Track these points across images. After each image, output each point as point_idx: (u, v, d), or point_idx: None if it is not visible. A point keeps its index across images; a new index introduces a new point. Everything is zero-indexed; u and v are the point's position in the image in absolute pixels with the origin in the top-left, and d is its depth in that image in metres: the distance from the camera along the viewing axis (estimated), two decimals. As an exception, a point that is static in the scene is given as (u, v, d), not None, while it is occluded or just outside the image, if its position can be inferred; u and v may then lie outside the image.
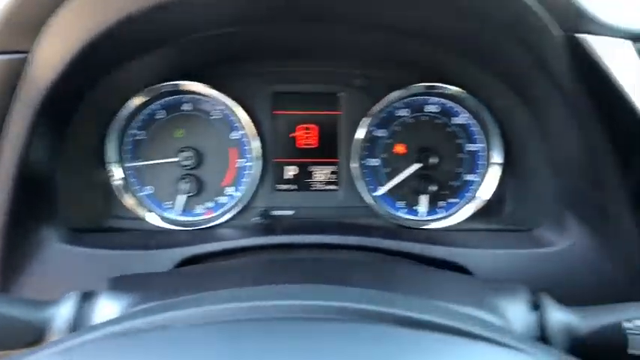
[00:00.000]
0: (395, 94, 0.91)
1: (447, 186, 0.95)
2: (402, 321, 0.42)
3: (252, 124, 0.92)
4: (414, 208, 0.96)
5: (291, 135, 0.96)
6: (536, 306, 0.58)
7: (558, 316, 0.56)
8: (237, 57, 0.90)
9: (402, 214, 0.96)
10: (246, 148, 0.93)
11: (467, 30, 0.72)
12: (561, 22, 0.64)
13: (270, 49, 0.89)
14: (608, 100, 0.66)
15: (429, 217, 0.95)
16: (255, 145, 0.92)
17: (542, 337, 0.56)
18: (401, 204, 0.96)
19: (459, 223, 0.94)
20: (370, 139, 0.94)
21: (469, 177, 0.95)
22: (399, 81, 0.92)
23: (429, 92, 0.93)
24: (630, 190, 0.73)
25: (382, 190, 0.95)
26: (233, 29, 0.76)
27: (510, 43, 0.70)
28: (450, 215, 0.95)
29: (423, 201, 0.95)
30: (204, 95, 0.91)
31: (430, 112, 0.94)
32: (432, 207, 0.96)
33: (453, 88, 0.91)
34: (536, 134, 0.82)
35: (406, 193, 0.95)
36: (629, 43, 0.64)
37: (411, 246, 0.83)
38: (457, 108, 0.94)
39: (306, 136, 0.95)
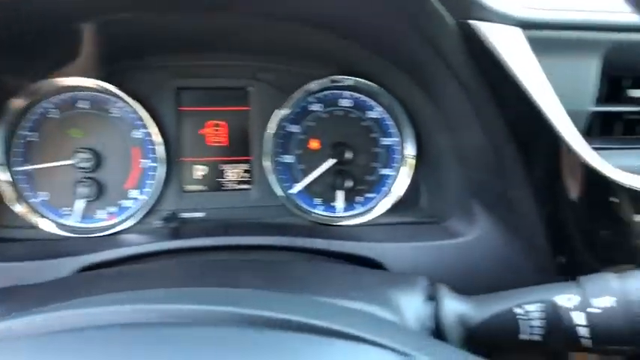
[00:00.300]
0: (306, 89, 0.89)
1: (363, 181, 0.94)
2: (270, 323, 0.39)
3: (155, 122, 0.86)
4: (332, 204, 0.93)
5: (200, 132, 0.91)
6: (432, 297, 0.57)
7: (452, 306, 0.55)
8: (137, 50, 0.85)
9: (320, 211, 0.93)
10: (150, 147, 0.87)
11: (366, 19, 0.71)
12: (454, 10, 0.64)
13: (173, 41, 0.84)
14: (503, 88, 0.66)
15: (347, 213, 0.93)
16: (160, 144, 0.86)
17: (436, 328, 0.54)
18: (318, 201, 0.93)
19: (375, 218, 0.92)
20: (283, 135, 0.91)
21: (385, 171, 0.94)
22: (310, 75, 0.89)
23: (342, 86, 0.91)
24: (531, 179, 0.73)
25: (297, 188, 0.92)
26: (128, 15, 0.71)
27: (408, 33, 0.69)
28: (367, 210, 0.93)
29: (340, 197, 0.92)
30: (100, 91, 0.85)
31: (344, 106, 0.93)
32: (350, 203, 0.94)
33: (365, 82, 0.89)
34: (442, 126, 0.82)
35: (323, 190, 0.93)
36: (519, 31, 0.64)
37: (325, 243, 0.81)
38: (371, 102, 0.93)
39: (216, 134, 0.91)
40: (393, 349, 0.34)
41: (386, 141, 0.94)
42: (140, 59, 0.86)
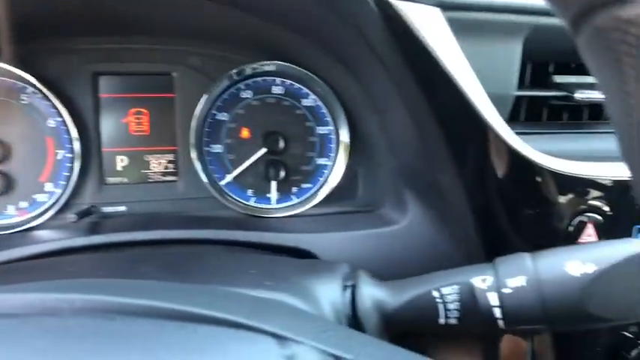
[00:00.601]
0: (234, 75, 0.85)
1: (298, 171, 0.91)
2: (157, 312, 0.36)
3: (71, 110, 0.80)
4: (266, 195, 0.90)
5: (122, 121, 0.86)
6: (351, 284, 0.55)
7: (369, 292, 0.53)
8: (49, 31, 0.79)
9: (253, 203, 0.90)
10: (65, 137, 0.82)
11: (286, 1, 0.68)
12: (373, -11, 0.62)
13: (89, 22, 0.79)
14: (425, 71, 0.66)
15: (282, 205, 0.90)
16: (76, 133, 0.81)
17: (353, 315, 0.52)
18: (251, 192, 0.90)
19: (311, 209, 0.90)
20: (211, 123, 0.87)
21: (321, 161, 0.92)
22: (239, 61, 0.86)
23: (274, 73, 0.88)
24: (459, 165, 0.73)
25: (227, 179, 0.88)
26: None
27: (329, 14, 0.67)
28: (303, 201, 0.91)
29: (274, 188, 0.89)
30: (8, 76, 0.78)
31: (276, 94, 0.89)
32: (285, 193, 0.91)
33: (296, 68, 0.86)
34: (372, 112, 0.81)
35: (255, 181, 0.90)
36: (438, 11, 0.63)
37: (255, 235, 0.78)
38: (304, 90, 0.90)
39: (139, 122, 0.86)
40: (279, 336, 0.31)
41: (321, 130, 0.91)
42: (53, 41, 0.80)
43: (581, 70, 0.82)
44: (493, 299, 0.49)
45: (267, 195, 0.90)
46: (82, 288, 0.39)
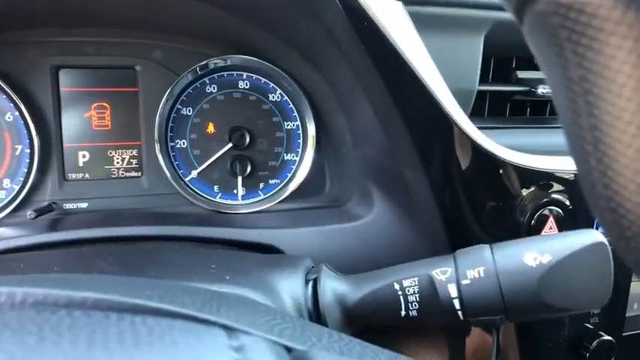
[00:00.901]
0: (199, 69, 0.84)
1: (266, 167, 0.90)
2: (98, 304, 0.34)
3: (29, 104, 0.78)
4: (233, 191, 0.89)
5: (85, 115, 0.84)
6: (313, 278, 0.54)
7: (331, 286, 0.53)
8: (6, 23, 0.76)
9: (219, 199, 0.89)
10: (24, 132, 0.79)
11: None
12: (335, -18, 0.62)
13: (49, 14, 0.76)
14: (387, 64, 0.65)
15: (248, 201, 0.89)
16: (35, 128, 0.78)
17: (315, 308, 0.52)
18: (217, 188, 0.89)
19: (278, 204, 0.89)
20: (175, 118, 0.85)
21: (288, 156, 0.91)
22: (204, 55, 0.84)
23: (240, 68, 0.87)
24: (424, 159, 0.73)
25: (193, 175, 0.87)
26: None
27: (291, 7, 0.66)
28: (270, 197, 0.90)
29: (240, 183, 0.88)
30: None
31: (242, 89, 0.88)
32: (252, 189, 0.90)
33: (262, 62, 0.86)
34: (338, 108, 0.80)
35: (221, 176, 0.88)
36: (399, 5, 0.63)
37: (220, 231, 0.77)
38: (271, 85, 0.89)
39: (102, 117, 0.84)
40: (228, 328, 0.31)
41: (288, 125, 0.91)
42: (10, 34, 0.77)
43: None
44: (452, 291, 0.49)
45: (234, 191, 0.89)
46: (25, 282, 0.37)
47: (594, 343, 0.75)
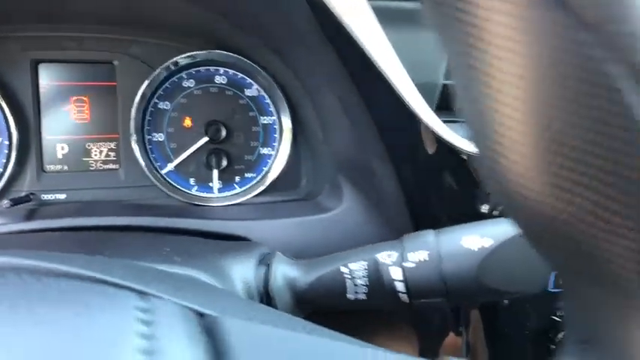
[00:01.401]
0: (175, 64, 0.86)
1: (242, 160, 0.92)
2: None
3: (8, 97, 0.80)
4: (209, 184, 0.91)
5: (64, 109, 0.86)
6: (267, 263, 0.56)
7: (283, 271, 0.54)
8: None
9: (195, 192, 0.90)
10: (3, 124, 0.81)
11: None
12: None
13: (28, 9, 0.79)
14: (353, 59, 0.67)
15: (224, 194, 0.91)
16: (14, 121, 0.81)
17: (265, 292, 0.53)
18: (193, 181, 0.90)
19: (253, 197, 0.91)
20: (152, 112, 0.88)
21: (264, 150, 0.93)
22: (181, 50, 0.86)
23: (217, 63, 0.89)
24: (391, 152, 0.75)
25: (169, 167, 0.89)
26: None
27: (259, 3, 0.68)
28: (245, 190, 0.92)
29: (216, 176, 0.90)
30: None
31: (219, 83, 0.90)
32: (228, 183, 0.92)
33: (237, 57, 0.87)
34: (309, 102, 0.82)
35: (198, 170, 0.90)
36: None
37: (191, 222, 0.78)
38: (248, 80, 0.91)
39: (81, 110, 0.86)
40: (141, 292, 0.32)
41: (265, 120, 0.92)
42: (-10, 29, 0.80)
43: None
44: (397, 274, 0.51)
45: (210, 184, 0.90)
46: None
47: (559, 335, 0.76)
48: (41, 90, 0.84)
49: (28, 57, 0.82)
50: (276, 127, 0.92)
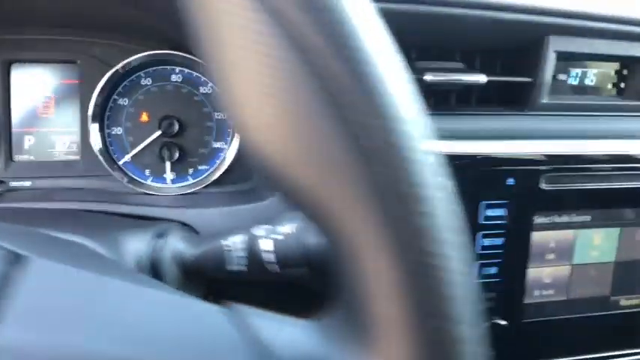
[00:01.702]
0: (133, 62, 0.92)
1: (196, 154, 0.97)
2: None
3: (-20, 93, 0.89)
4: (163, 176, 0.97)
5: (32, 105, 0.94)
6: (162, 238, 0.60)
7: (172, 245, 0.59)
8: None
9: (150, 182, 0.96)
10: (-25, 118, 0.91)
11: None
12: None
13: (4, 15, 0.88)
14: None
15: (178, 184, 0.97)
16: (-15, 114, 0.90)
17: (153, 266, 0.58)
18: (148, 172, 0.97)
19: (204, 188, 0.96)
20: (112, 107, 0.94)
21: (217, 144, 0.98)
22: (139, 50, 0.93)
23: (171, 62, 0.95)
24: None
25: (125, 159, 0.95)
26: None
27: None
28: (198, 181, 0.97)
29: (168, 168, 0.96)
30: None
31: (175, 81, 0.96)
32: (182, 174, 0.97)
33: (192, 59, 0.93)
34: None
35: (152, 162, 0.96)
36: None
37: (141, 209, 0.84)
38: (203, 78, 0.97)
39: (47, 105, 0.94)
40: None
41: (219, 115, 0.98)
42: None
43: (444, 56, 0.86)
44: (268, 245, 0.54)
45: (164, 175, 0.96)
46: None
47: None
48: (12, 88, 0.93)
49: (0, 58, 0.91)
50: (230, 121, 0.97)
